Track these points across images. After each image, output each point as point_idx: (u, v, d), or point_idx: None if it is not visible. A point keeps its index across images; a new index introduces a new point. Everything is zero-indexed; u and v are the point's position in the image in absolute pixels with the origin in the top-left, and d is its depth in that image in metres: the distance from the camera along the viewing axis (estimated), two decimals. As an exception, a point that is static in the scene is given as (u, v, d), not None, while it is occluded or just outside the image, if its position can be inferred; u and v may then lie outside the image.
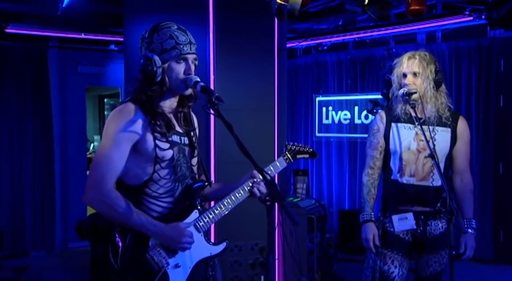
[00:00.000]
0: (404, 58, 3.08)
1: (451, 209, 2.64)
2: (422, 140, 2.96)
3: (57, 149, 6.86)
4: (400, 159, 3.06)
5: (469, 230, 3.06)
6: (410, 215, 3.04)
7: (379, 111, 3.27)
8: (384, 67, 5.85)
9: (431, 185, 3.02)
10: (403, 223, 3.06)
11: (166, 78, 2.23)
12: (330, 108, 7.37)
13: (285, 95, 5.09)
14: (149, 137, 2.19)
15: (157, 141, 2.20)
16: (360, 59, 7.17)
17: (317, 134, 7.53)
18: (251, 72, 4.60)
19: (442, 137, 3.05)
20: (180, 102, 2.35)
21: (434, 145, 2.95)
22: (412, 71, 3.03)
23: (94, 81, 7.41)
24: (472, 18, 5.57)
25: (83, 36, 6.48)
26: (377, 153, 3.15)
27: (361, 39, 6.85)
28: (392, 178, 3.10)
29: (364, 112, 7.01)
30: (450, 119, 3.08)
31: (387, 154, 3.13)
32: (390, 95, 3.16)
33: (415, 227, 3.05)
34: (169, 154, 2.23)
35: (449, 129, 3.07)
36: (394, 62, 3.16)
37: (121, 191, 2.19)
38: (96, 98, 10.93)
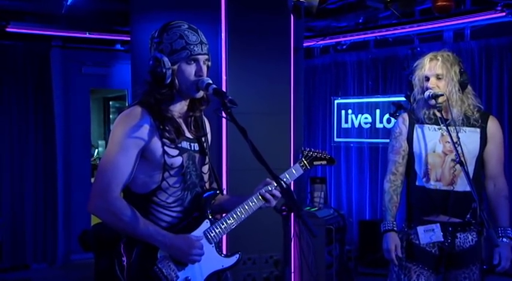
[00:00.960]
0: (426, 60, 3.06)
1: (481, 221, 2.61)
2: (449, 142, 2.94)
3: (59, 155, 6.90)
4: (425, 162, 3.05)
5: (504, 240, 3.00)
6: (437, 227, 3.02)
7: (402, 113, 3.26)
8: (408, 67, 5.82)
9: (459, 190, 2.99)
10: (430, 234, 3.03)
11: (176, 81, 2.25)
12: (350, 111, 7.35)
13: (301, 98, 5.11)
14: (157, 143, 2.21)
15: (165, 147, 2.22)
16: (381, 58, 7.16)
17: (336, 139, 7.51)
18: (265, 73, 4.62)
19: (470, 138, 3.02)
20: (191, 106, 2.37)
21: (461, 148, 2.90)
22: (435, 73, 3.01)
23: (99, 83, 7.46)
24: (504, 14, 5.53)
25: (87, 35, 6.53)
26: (399, 158, 3.14)
27: (383, 38, 6.83)
28: (417, 183, 3.09)
29: (386, 116, 6.98)
30: (479, 119, 3.05)
31: (411, 157, 3.12)
32: (412, 99, 3.15)
33: (442, 239, 3.02)
34: (178, 161, 2.25)
35: (478, 130, 3.04)
36: (415, 64, 3.14)
37: (128, 199, 2.21)
38: (101, 101, 11.02)
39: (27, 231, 6.67)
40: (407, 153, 3.13)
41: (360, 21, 6.53)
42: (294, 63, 4.86)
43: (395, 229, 3.11)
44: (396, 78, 7.03)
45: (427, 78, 3.04)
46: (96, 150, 10.30)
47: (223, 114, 2.11)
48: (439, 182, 3.02)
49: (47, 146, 6.78)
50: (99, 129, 11.03)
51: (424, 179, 3.06)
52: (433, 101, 2.98)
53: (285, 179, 2.50)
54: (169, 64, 2.22)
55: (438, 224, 3.02)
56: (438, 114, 2.99)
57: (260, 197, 2.36)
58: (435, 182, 3.03)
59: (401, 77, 6.84)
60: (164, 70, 2.21)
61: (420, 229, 3.05)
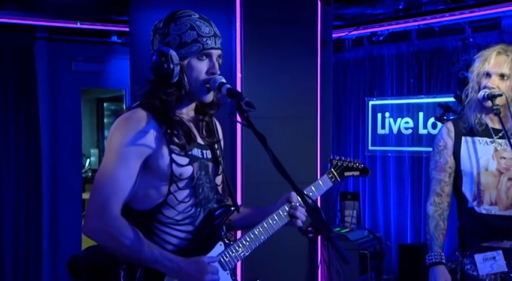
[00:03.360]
0: (492, 53, 3.00)
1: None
2: (505, 158, 2.93)
3: (45, 166, 6.92)
4: (477, 183, 3.02)
5: None
6: (498, 254, 2.99)
7: (448, 120, 3.24)
8: (458, 62, 5.82)
9: None
10: (490, 263, 2.99)
11: (185, 79, 2.28)
12: (387, 114, 7.35)
13: (330, 99, 5.14)
14: (164, 150, 2.24)
15: (174, 155, 2.25)
16: (426, 51, 7.15)
17: (370, 148, 7.51)
18: (288, 70, 4.66)
19: None
20: (200, 110, 2.41)
21: None
22: (500, 71, 2.97)
23: (92, 82, 7.50)
24: None
25: (78, 25, 6.58)
26: (445, 176, 3.11)
27: (428, 27, 6.83)
28: (468, 206, 3.07)
29: (432, 120, 6.96)
30: None
31: (458, 176, 3.10)
32: (464, 98, 3.12)
33: (505, 269, 2.99)
34: (188, 170, 2.28)
35: None
36: (475, 56, 3.10)
37: (127, 218, 2.23)
38: (93, 102, 11.09)
39: (6, 256, 6.67)
40: (454, 170, 3.11)
41: (400, 7, 6.54)
42: (322, 58, 4.89)
43: (443, 261, 3.08)
44: (443, 75, 7.02)
45: (488, 75, 3.00)
46: (88, 160, 10.36)
47: (239, 119, 2.13)
48: (495, 206, 3.00)
49: (30, 155, 6.79)
50: (92, 135, 11.11)
51: (475, 203, 3.04)
52: (489, 103, 2.95)
53: (310, 194, 2.53)
54: (178, 59, 2.25)
55: (500, 251, 2.99)
56: (490, 123, 2.98)
57: (282, 215, 2.40)
58: (489, 206, 3.01)
59: (450, 74, 6.82)
60: (171, 66, 2.23)
61: (478, 258, 3.01)
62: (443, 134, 3.15)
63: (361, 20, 6.92)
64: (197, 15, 2.32)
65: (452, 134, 3.12)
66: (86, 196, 7.60)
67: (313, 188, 2.56)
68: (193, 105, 2.39)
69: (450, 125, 3.15)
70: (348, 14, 6.93)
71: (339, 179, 2.68)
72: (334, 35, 6.13)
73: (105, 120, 11.07)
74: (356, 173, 2.76)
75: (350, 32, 6.99)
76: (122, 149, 2.20)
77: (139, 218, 2.26)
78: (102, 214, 2.18)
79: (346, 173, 2.72)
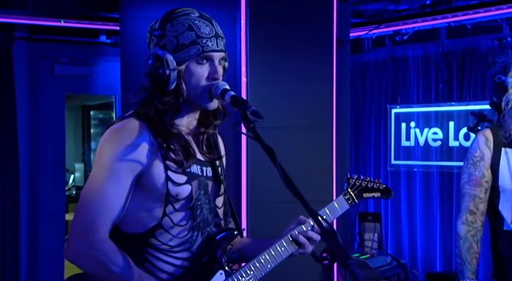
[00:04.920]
0: None
1: None
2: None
3: (23, 183, 6.93)
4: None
5: None
6: None
7: (485, 128, 3.24)
8: (494, 64, 5.83)
9: None
10: None
11: (184, 86, 2.28)
12: (413, 124, 7.35)
13: (347, 106, 5.14)
14: (159, 166, 2.24)
15: (170, 172, 2.25)
16: (457, 52, 7.16)
17: (393, 162, 7.51)
18: (299, 74, 4.66)
19: None
20: (202, 121, 2.41)
21: None
22: None
23: (77, 87, 7.54)
24: None
25: (62, 23, 6.62)
26: (480, 191, 3.10)
27: (459, 24, 6.83)
28: (504, 228, 3.07)
29: (464, 130, 6.97)
30: None
31: (495, 192, 3.09)
32: (503, 106, 3.10)
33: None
34: (186, 190, 2.28)
35: None
36: None
37: (116, 241, 2.23)
38: (79, 110, 11.12)
39: (-20, 286, 6.71)
40: (490, 185, 3.10)
41: (428, 2, 6.55)
42: (338, 60, 4.89)
43: (478, 289, 3.08)
44: (477, 79, 7.02)
45: None
46: (72, 176, 10.38)
47: (244, 131, 2.14)
48: None
49: (6, 170, 6.81)
50: (77, 148, 11.13)
51: None
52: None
53: (325, 217, 2.52)
54: (175, 64, 2.25)
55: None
56: None
57: (292, 240, 2.40)
58: None
59: (485, 78, 6.82)
60: (168, 72, 2.24)
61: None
62: (480, 143, 3.12)
63: (382, 17, 6.94)
64: (197, 14, 2.33)
65: (491, 144, 3.10)
66: (69, 217, 7.60)
67: (327, 211, 2.57)
68: (195, 115, 2.39)
69: (488, 133, 3.13)
70: (368, 11, 6.95)
71: (356, 201, 2.69)
72: (351, 34, 6.14)
73: (92, 130, 11.09)
74: (376, 194, 2.76)
75: (370, 30, 7.01)
76: (112, 163, 2.21)
77: (129, 243, 2.26)
78: (88, 236, 2.18)
79: (365, 195, 2.73)
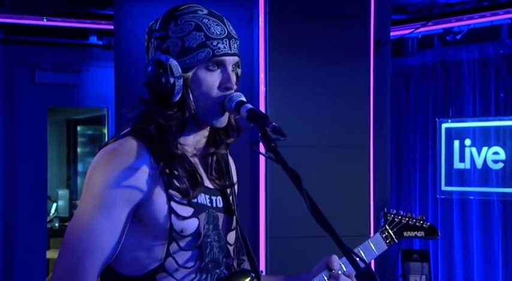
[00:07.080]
0: None
1: None
2: None
3: (-3, 213, 7.00)
4: None
5: None
6: None
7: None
8: None
9: None
10: None
11: (191, 97, 2.27)
12: (468, 142, 7.33)
13: (387, 120, 5.13)
14: (160, 196, 2.23)
15: (173, 203, 2.23)
16: (521, 55, 7.16)
17: (444, 188, 7.47)
18: (328, 82, 4.67)
19: None
20: (212, 139, 2.40)
21: None
22: None
23: (62, 98, 7.58)
24: None
25: (44, 22, 6.66)
26: None
27: (524, 21, 6.83)
28: None
29: (531, 150, 6.95)
30: None
31: None
32: None
33: None
34: (192, 225, 2.26)
35: None
36: None
37: (109, 286, 2.23)
38: (63, 125, 11.17)
39: None
40: None
41: (485, -5, 6.56)
42: (375, 64, 4.89)
43: None
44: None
45: None
46: (55, 205, 10.39)
47: (263, 151, 2.13)
48: None
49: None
50: (61, 171, 11.16)
51: None
52: None
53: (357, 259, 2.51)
54: (180, 71, 2.24)
55: None
56: None
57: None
58: None
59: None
60: (172, 80, 2.22)
61: None
62: None
63: (430, 13, 6.93)
64: (205, 11, 2.31)
65: None
66: (51, 254, 7.60)
67: (361, 251, 2.56)
68: (204, 132, 2.37)
69: None
70: (412, 5, 6.95)
71: (396, 240, 2.68)
72: (392, 34, 6.14)
73: (78, 150, 11.12)
74: (420, 233, 2.76)
75: (416, 28, 7.00)
76: (105, 192, 2.19)
77: (124, 287, 2.26)
78: (74, 279, 2.16)
79: (406, 234, 2.72)
